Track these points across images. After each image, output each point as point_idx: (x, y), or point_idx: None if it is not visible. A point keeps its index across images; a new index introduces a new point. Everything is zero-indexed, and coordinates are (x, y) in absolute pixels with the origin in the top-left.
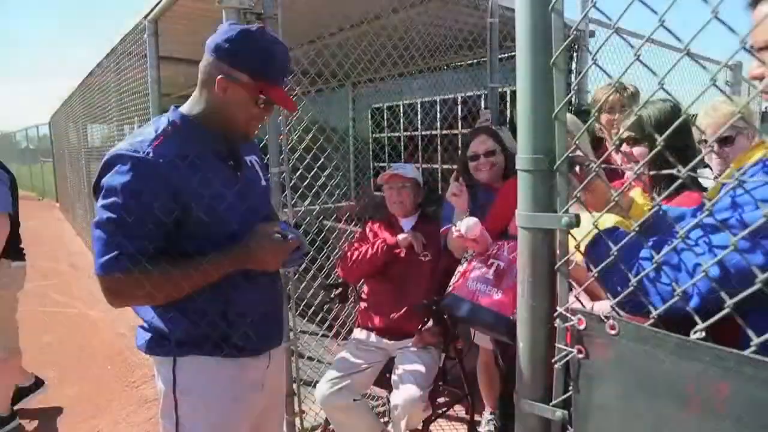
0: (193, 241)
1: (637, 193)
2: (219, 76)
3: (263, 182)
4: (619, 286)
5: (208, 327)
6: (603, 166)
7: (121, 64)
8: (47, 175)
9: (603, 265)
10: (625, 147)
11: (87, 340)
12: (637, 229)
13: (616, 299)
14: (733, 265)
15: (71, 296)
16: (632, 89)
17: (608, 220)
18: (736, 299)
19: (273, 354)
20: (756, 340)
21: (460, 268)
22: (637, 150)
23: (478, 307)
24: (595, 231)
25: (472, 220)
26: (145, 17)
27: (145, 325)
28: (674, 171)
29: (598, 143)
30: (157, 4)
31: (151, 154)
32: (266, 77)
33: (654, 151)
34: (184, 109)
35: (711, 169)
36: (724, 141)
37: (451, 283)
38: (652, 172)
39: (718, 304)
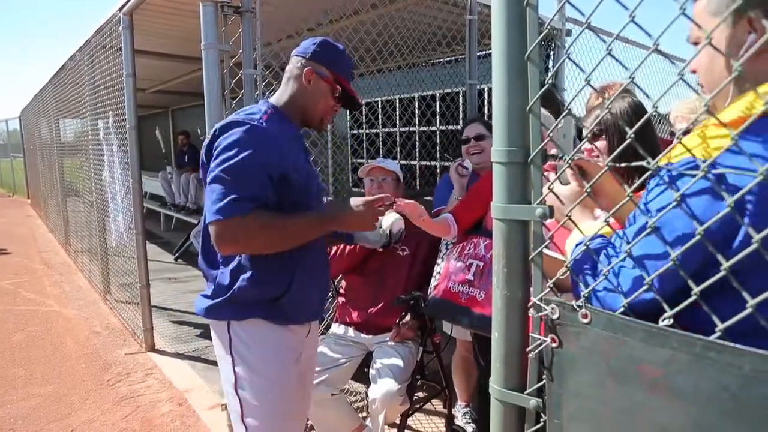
0: (290, 209)
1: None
2: (308, 68)
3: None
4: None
5: (269, 286)
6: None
7: (95, 58)
8: (18, 171)
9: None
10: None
11: (60, 339)
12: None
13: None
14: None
15: (44, 294)
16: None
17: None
18: (702, 286)
19: (312, 325)
20: (720, 326)
21: (438, 269)
22: (599, 143)
23: (463, 310)
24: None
25: (394, 217)
26: (120, 9)
27: (208, 292)
28: (644, 163)
29: None
30: None
31: (264, 124)
32: (343, 75)
33: (623, 145)
34: (273, 100)
35: None
36: (684, 133)
37: (431, 285)
38: (623, 164)
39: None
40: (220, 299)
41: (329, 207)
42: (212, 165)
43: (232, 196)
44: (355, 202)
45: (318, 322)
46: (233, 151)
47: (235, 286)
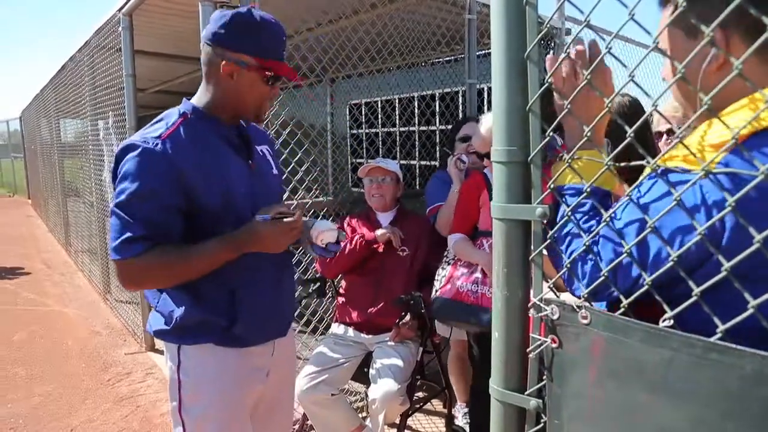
0: (208, 233)
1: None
2: (223, 62)
3: (275, 171)
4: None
5: (214, 317)
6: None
7: (95, 58)
8: (18, 171)
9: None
10: None
11: (60, 338)
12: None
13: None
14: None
15: (44, 294)
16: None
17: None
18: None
19: (278, 343)
20: (722, 327)
21: (444, 273)
22: None
23: (472, 309)
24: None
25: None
26: (120, 10)
27: (158, 310)
28: (643, 162)
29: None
30: None
31: (159, 146)
32: (268, 54)
33: (624, 143)
34: (194, 100)
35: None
36: (669, 132)
37: (436, 288)
38: (623, 164)
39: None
40: (166, 327)
41: (240, 230)
42: (113, 195)
43: (126, 236)
44: (274, 226)
45: (289, 338)
46: (125, 183)
47: (176, 315)
